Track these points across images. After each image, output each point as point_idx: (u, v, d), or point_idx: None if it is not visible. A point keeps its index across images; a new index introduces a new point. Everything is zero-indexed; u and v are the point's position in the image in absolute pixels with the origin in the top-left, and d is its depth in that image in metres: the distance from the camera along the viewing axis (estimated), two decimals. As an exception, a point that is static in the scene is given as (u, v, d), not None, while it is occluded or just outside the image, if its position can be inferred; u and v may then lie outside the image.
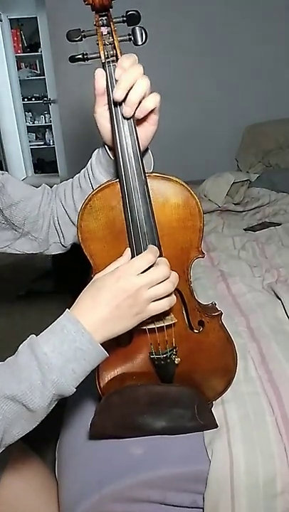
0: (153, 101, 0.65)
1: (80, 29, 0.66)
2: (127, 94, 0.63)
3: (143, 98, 0.64)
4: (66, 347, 0.60)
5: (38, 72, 5.79)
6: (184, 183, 0.71)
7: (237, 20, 2.72)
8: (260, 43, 2.77)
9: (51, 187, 0.92)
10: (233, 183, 2.27)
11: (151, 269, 0.65)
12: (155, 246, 0.69)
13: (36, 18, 3.54)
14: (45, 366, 0.58)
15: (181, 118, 2.75)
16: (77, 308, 0.64)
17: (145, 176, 0.68)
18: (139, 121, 0.69)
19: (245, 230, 1.93)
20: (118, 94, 0.63)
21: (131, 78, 0.62)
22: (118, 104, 0.65)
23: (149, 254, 0.65)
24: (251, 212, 2.19)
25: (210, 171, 2.43)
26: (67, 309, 0.64)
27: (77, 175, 0.86)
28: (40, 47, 4.56)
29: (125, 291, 0.62)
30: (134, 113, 0.65)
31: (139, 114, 0.66)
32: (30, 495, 0.92)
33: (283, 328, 1.13)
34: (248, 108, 2.87)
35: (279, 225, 1.92)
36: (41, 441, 0.68)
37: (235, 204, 2.24)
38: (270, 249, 1.65)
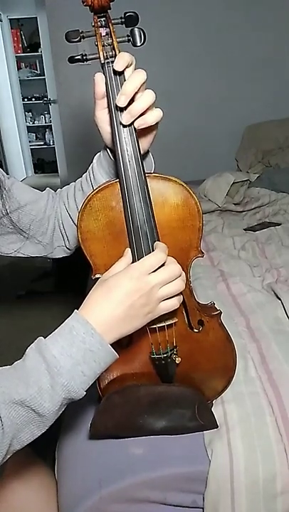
0: (155, 116, 0.65)
1: (78, 30, 0.66)
2: (129, 102, 0.63)
3: (146, 110, 0.64)
4: (75, 349, 0.58)
5: (38, 72, 5.80)
6: (183, 183, 0.71)
7: (237, 20, 2.72)
8: (261, 43, 2.77)
9: (53, 189, 0.92)
10: (233, 183, 2.26)
11: (162, 267, 0.64)
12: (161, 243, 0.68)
13: (36, 18, 3.54)
14: (54, 369, 0.57)
15: (181, 118, 2.75)
16: (87, 308, 0.62)
17: (145, 177, 0.68)
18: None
19: (245, 230, 1.93)
20: (121, 101, 0.63)
21: (137, 83, 0.62)
22: (119, 108, 0.65)
23: (161, 252, 0.65)
24: (251, 212, 2.19)
25: (210, 171, 2.43)
26: (75, 310, 0.62)
27: (79, 179, 0.86)
28: (40, 47, 4.57)
29: (139, 290, 0.61)
30: (134, 121, 0.65)
31: (138, 126, 0.65)
32: (30, 495, 0.92)
33: (283, 328, 1.13)
34: (248, 108, 2.87)
35: (279, 225, 1.92)
36: (41, 441, 0.68)
37: (235, 204, 2.24)
38: (270, 249, 1.65)
